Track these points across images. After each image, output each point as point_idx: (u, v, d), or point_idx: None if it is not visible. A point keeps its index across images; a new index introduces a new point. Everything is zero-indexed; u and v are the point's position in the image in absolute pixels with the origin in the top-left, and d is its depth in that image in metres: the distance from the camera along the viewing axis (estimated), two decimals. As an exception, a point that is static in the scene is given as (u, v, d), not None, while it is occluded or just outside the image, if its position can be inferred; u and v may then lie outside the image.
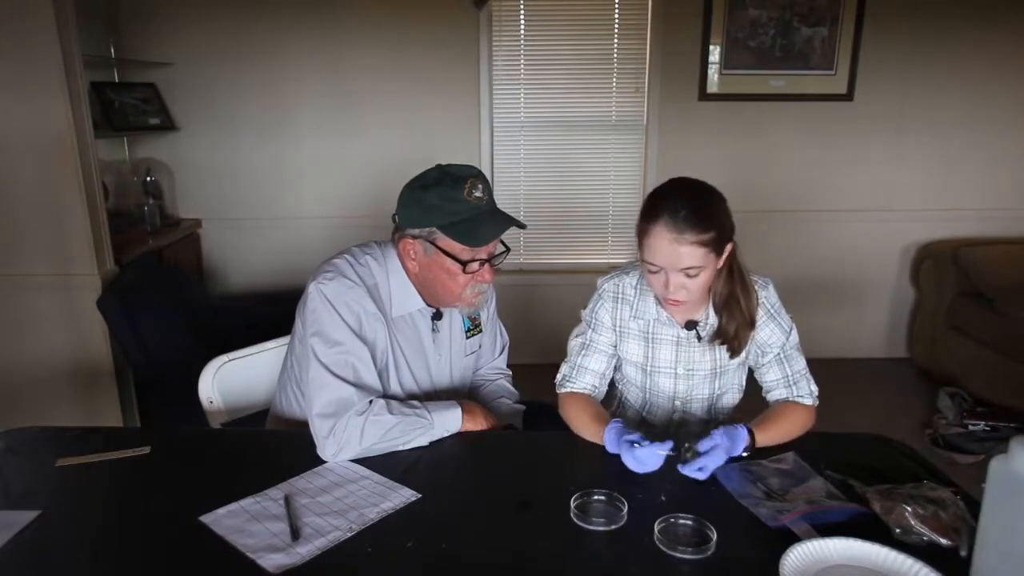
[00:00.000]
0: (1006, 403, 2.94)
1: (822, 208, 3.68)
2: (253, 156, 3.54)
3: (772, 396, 1.51)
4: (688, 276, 1.34)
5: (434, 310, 1.54)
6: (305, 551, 1.05)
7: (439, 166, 1.43)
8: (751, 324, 1.46)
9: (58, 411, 2.72)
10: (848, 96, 3.53)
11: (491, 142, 3.59)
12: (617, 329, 1.55)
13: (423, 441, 1.37)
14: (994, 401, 2.99)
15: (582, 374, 1.55)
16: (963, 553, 1.02)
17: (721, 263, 1.39)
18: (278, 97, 3.47)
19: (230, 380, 1.65)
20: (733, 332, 1.45)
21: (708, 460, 1.22)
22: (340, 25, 3.39)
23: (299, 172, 3.59)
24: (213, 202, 3.59)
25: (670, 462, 1.25)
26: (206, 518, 1.13)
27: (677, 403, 1.58)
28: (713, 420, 1.61)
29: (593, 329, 1.56)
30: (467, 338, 1.63)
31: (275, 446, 1.45)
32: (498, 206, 1.46)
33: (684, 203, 1.31)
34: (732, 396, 1.61)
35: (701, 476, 1.22)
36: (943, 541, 1.05)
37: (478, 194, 1.39)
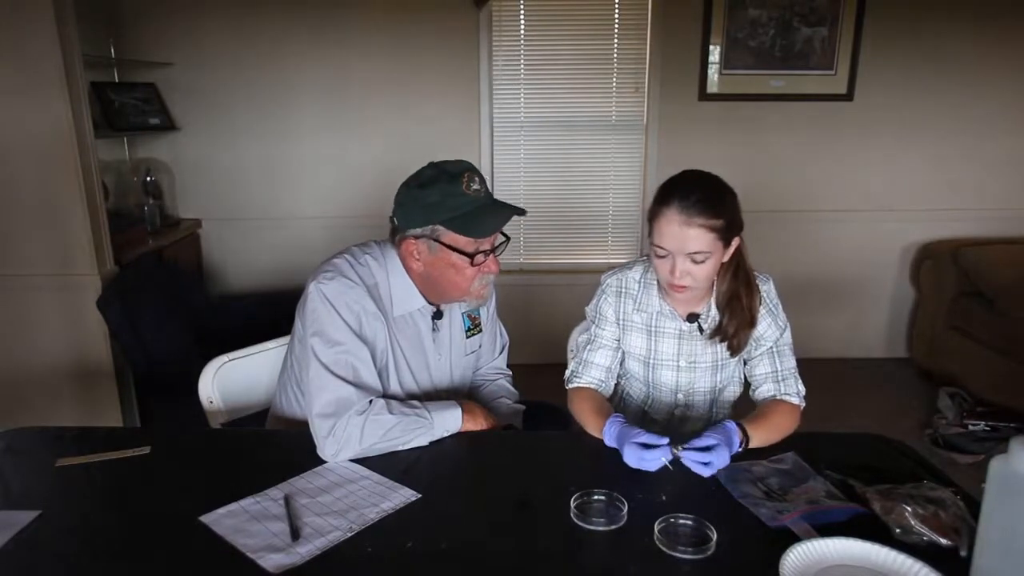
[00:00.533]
0: (1006, 403, 2.94)
1: (822, 208, 3.68)
2: (253, 156, 3.54)
3: (760, 392, 1.52)
4: (695, 262, 1.35)
5: (434, 309, 1.54)
6: (305, 551, 1.05)
7: (432, 164, 1.43)
8: (752, 323, 1.46)
9: (58, 411, 2.72)
10: (848, 96, 3.53)
11: (491, 142, 3.59)
12: (620, 323, 1.56)
13: (423, 441, 1.37)
14: (994, 401, 2.99)
15: (588, 369, 1.56)
16: (963, 553, 1.02)
17: (727, 256, 1.40)
18: (278, 97, 3.47)
19: (230, 380, 1.65)
20: (733, 331, 1.46)
21: (714, 456, 1.22)
22: (340, 25, 3.39)
23: (299, 172, 3.59)
24: (213, 202, 3.59)
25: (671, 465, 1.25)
26: (206, 518, 1.13)
27: (679, 396, 1.58)
28: (714, 415, 1.62)
29: (597, 324, 1.57)
30: (467, 338, 1.63)
31: (275, 446, 1.45)
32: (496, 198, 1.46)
33: (696, 189, 1.34)
34: (733, 389, 1.62)
35: (706, 472, 1.22)
36: (943, 541, 1.05)
37: (476, 187, 1.39)
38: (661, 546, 1.05)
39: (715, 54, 3.47)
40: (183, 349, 2.44)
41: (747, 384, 1.58)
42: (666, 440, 1.25)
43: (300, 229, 3.62)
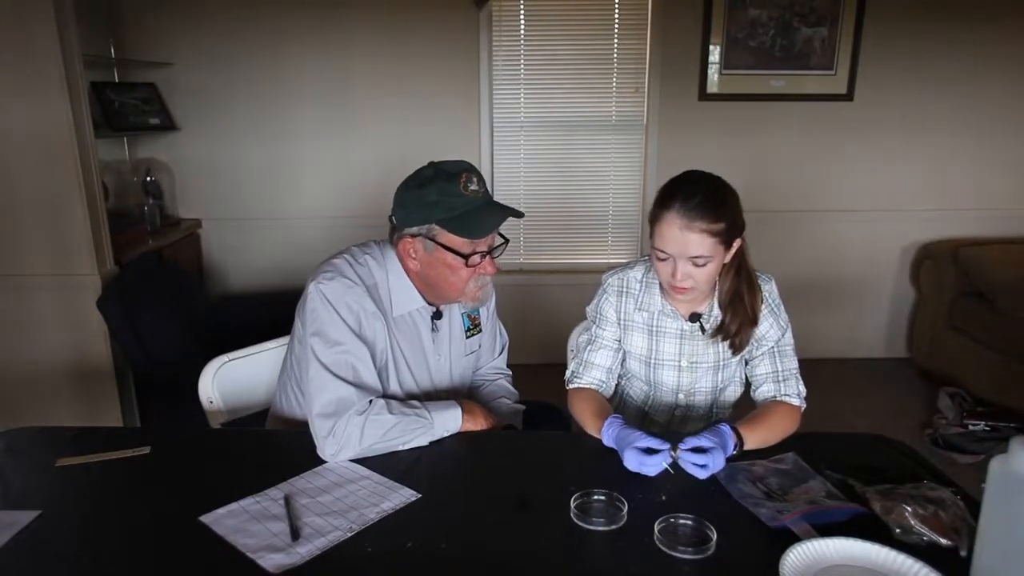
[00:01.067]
0: (1006, 403, 2.94)
1: (822, 208, 3.68)
2: (253, 156, 3.54)
3: (760, 393, 1.51)
4: (696, 265, 1.35)
5: (434, 309, 1.54)
6: (305, 551, 1.05)
7: (431, 163, 1.43)
8: (754, 322, 1.46)
9: (58, 411, 2.72)
10: (848, 96, 3.53)
11: (491, 142, 3.60)
12: (621, 323, 1.55)
13: (423, 441, 1.37)
14: (994, 401, 2.99)
15: (589, 369, 1.56)
16: (963, 553, 1.02)
17: (729, 257, 1.40)
18: (278, 97, 3.47)
19: (230, 380, 1.65)
20: (735, 330, 1.46)
21: (709, 459, 1.22)
22: (340, 25, 3.39)
23: (299, 172, 3.59)
24: (213, 202, 3.59)
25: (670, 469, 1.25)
26: (206, 518, 1.13)
27: (680, 396, 1.58)
28: (715, 415, 1.61)
29: (598, 324, 1.57)
30: (467, 338, 1.63)
31: (275, 446, 1.45)
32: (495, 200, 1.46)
33: (698, 192, 1.34)
34: (734, 390, 1.62)
35: (702, 474, 1.22)
36: (943, 541, 1.05)
37: (474, 187, 1.39)
38: (661, 546, 1.05)
39: (715, 54, 3.47)
40: (183, 349, 2.44)
41: (749, 384, 1.58)
42: (667, 445, 1.24)
43: (300, 229, 3.62)
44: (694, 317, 1.50)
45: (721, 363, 1.54)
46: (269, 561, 1.02)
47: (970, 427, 2.85)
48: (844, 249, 3.74)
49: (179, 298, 2.74)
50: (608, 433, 1.33)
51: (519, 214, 1.42)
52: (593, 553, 1.06)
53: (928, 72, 3.51)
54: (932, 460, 1.36)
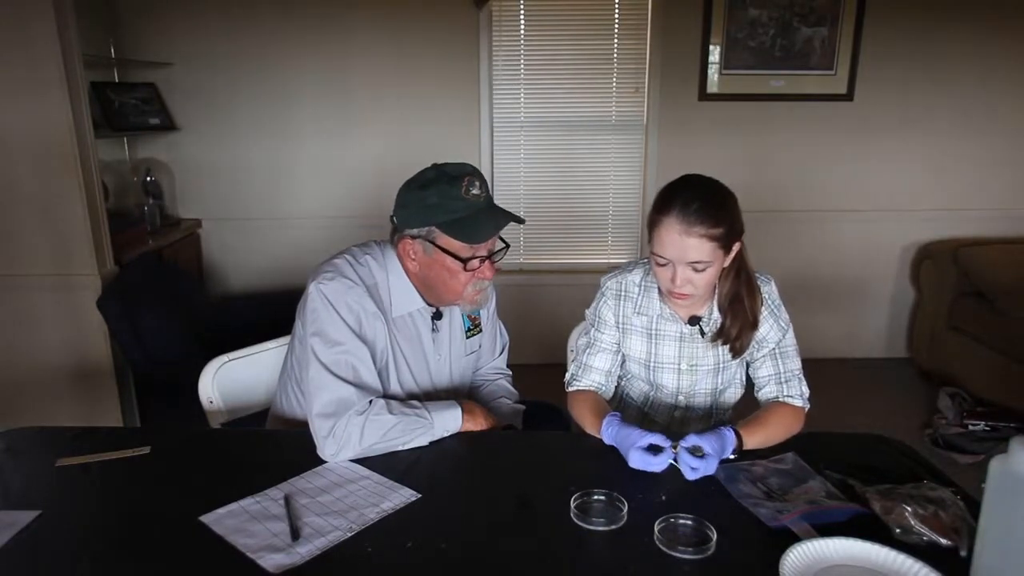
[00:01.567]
0: (1006, 403, 2.94)
1: (822, 208, 3.68)
2: (253, 156, 3.54)
3: (763, 394, 1.51)
4: (695, 271, 1.35)
5: (434, 310, 1.54)
6: (305, 551, 1.05)
7: (435, 165, 1.43)
8: (754, 325, 1.46)
9: (58, 411, 2.72)
10: (848, 96, 3.53)
11: (491, 142, 3.59)
12: (620, 326, 1.55)
13: (423, 441, 1.37)
14: (994, 401, 2.99)
15: (588, 372, 1.56)
16: (963, 553, 1.02)
17: (728, 261, 1.40)
18: (278, 97, 3.47)
19: (230, 380, 1.65)
20: (736, 333, 1.46)
21: (703, 464, 1.22)
22: (340, 25, 3.39)
23: (299, 172, 3.59)
24: (213, 202, 3.59)
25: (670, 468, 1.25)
26: (206, 518, 1.13)
27: (680, 398, 1.58)
28: (714, 417, 1.61)
29: (596, 328, 1.57)
30: (467, 338, 1.63)
31: (275, 446, 1.45)
32: (497, 204, 1.45)
33: (696, 197, 1.32)
34: (734, 391, 1.61)
35: (692, 476, 1.22)
36: (943, 541, 1.05)
37: (475, 191, 1.39)
38: (661, 546, 1.05)
39: (715, 54, 3.47)
40: (183, 349, 2.44)
41: (752, 385, 1.57)
42: (670, 442, 1.25)
43: (300, 229, 3.62)
44: (693, 320, 1.49)
45: (721, 365, 1.54)
46: (269, 561, 1.02)
47: (970, 427, 2.85)
48: (844, 249, 3.74)
49: (179, 298, 2.74)
50: (608, 431, 1.34)
51: (520, 220, 1.42)
52: (593, 553, 1.06)
53: (928, 72, 3.51)
54: (932, 460, 1.36)
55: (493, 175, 3.63)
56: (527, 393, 1.78)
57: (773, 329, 1.49)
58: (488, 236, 1.40)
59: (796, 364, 1.50)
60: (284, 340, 1.68)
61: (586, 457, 1.36)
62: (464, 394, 1.66)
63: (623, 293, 1.54)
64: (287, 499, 1.18)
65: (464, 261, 1.40)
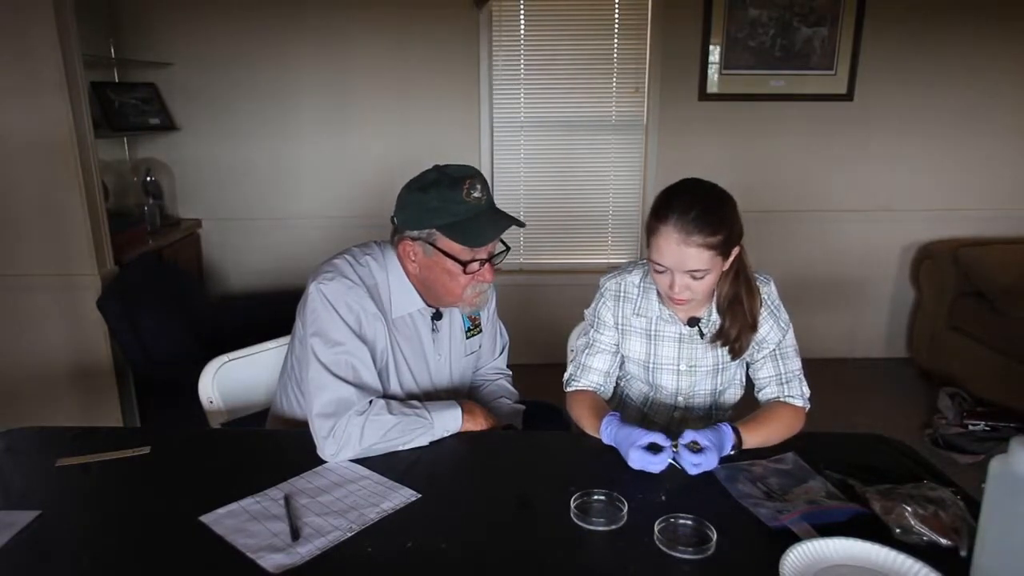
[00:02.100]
0: (1006, 403, 2.94)
1: (822, 208, 3.68)
2: (253, 156, 3.54)
3: (763, 395, 1.51)
4: (694, 278, 1.34)
5: (434, 310, 1.54)
6: (305, 551, 1.05)
7: (437, 167, 1.42)
8: (753, 327, 1.46)
9: (58, 411, 2.72)
10: (848, 96, 3.53)
11: (491, 142, 3.59)
12: (620, 327, 1.55)
13: (423, 441, 1.37)
14: (994, 401, 2.99)
15: (587, 373, 1.56)
16: (963, 553, 1.02)
17: (727, 266, 1.40)
18: (278, 97, 3.47)
19: (230, 380, 1.65)
20: (735, 335, 1.45)
21: (703, 458, 1.23)
22: (340, 25, 3.39)
23: (299, 172, 3.59)
24: (213, 202, 3.59)
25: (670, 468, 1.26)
26: (206, 518, 1.13)
27: (679, 399, 1.58)
28: (714, 417, 1.61)
29: (595, 329, 1.57)
30: (467, 338, 1.63)
31: (275, 446, 1.45)
32: (498, 206, 1.45)
33: (694, 205, 1.31)
34: (734, 392, 1.61)
35: (693, 471, 1.23)
36: (943, 541, 1.05)
37: (476, 194, 1.38)
38: (661, 546, 1.05)
39: (715, 54, 3.47)
40: (183, 349, 2.44)
41: (752, 386, 1.57)
42: (669, 442, 1.25)
43: (300, 229, 3.62)
44: (692, 322, 1.49)
45: (720, 366, 1.54)
46: (269, 561, 1.02)
47: (970, 427, 2.85)
48: (844, 249, 3.74)
49: (179, 298, 2.74)
50: (607, 431, 1.34)
51: (520, 224, 1.42)
52: (593, 553, 1.06)
53: (928, 72, 3.51)
54: (932, 460, 1.36)
55: (493, 175, 3.63)
56: (527, 393, 1.78)
57: (773, 330, 1.49)
58: (488, 240, 1.40)
59: (796, 365, 1.50)
60: (284, 340, 1.68)
61: (586, 457, 1.36)
62: (464, 394, 1.66)
63: (622, 294, 1.54)
64: (287, 499, 1.18)
65: (464, 264, 1.40)
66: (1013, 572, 0.89)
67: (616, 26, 3.49)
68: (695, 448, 1.24)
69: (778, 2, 3.40)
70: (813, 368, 1.52)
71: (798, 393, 1.48)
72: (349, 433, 1.31)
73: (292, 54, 3.41)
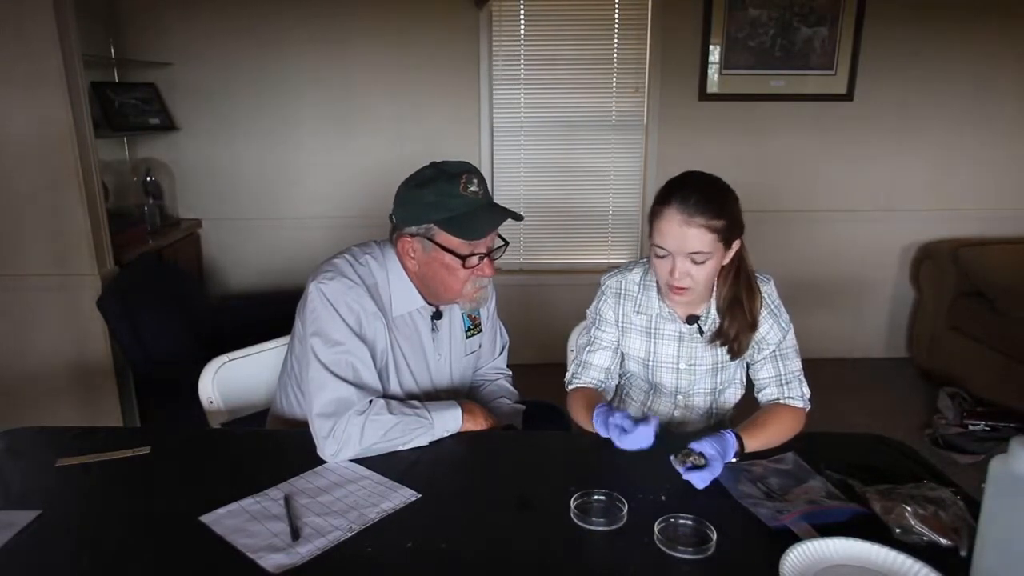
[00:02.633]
0: (1006, 403, 2.94)
1: (822, 208, 3.68)
2: (253, 156, 3.54)
3: (763, 396, 1.51)
4: (694, 263, 1.35)
5: (434, 309, 1.54)
6: (305, 551, 1.05)
7: (433, 163, 1.43)
8: (753, 327, 1.46)
9: (58, 411, 2.72)
10: (848, 96, 3.53)
11: (491, 142, 3.59)
12: (620, 324, 1.55)
13: (423, 441, 1.37)
14: (994, 401, 2.99)
15: (587, 370, 1.57)
16: (963, 553, 1.02)
17: (727, 259, 1.40)
18: (278, 97, 3.47)
19: (230, 380, 1.65)
20: (734, 335, 1.45)
21: (709, 473, 1.21)
22: (340, 25, 3.39)
23: (299, 172, 3.59)
24: (213, 202, 3.59)
25: (665, 450, 1.25)
26: (206, 518, 1.13)
27: (679, 398, 1.58)
28: (714, 416, 1.61)
29: (597, 326, 1.57)
30: (467, 338, 1.63)
31: (275, 446, 1.45)
32: (495, 202, 1.46)
33: (697, 190, 1.34)
34: (734, 391, 1.61)
35: (700, 484, 1.21)
36: (943, 541, 1.05)
37: (473, 188, 1.39)
38: (661, 546, 1.05)
39: (715, 54, 3.47)
40: (183, 349, 2.44)
41: (752, 386, 1.57)
42: (655, 422, 1.26)
43: (300, 229, 3.62)
44: (691, 319, 1.50)
45: (720, 365, 1.54)
46: (269, 561, 1.02)
47: (970, 427, 2.85)
48: (844, 249, 3.74)
49: (179, 298, 2.73)
50: (598, 422, 1.34)
51: (518, 216, 1.42)
52: (593, 553, 1.06)
53: (928, 72, 3.51)
54: (932, 460, 1.36)
55: (493, 175, 3.63)
56: (527, 393, 1.78)
57: (773, 330, 1.49)
58: (486, 232, 1.40)
59: (796, 365, 1.50)
60: (284, 340, 1.68)
61: (586, 457, 1.36)
62: (464, 394, 1.66)
63: (623, 292, 1.54)
64: (287, 499, 1.18)
65: (463, 258, 1.40)
66: (1013, 572, 0.89)
67: (616, 26, 3.49)
68: (700, 464, 1.22)
69: (778, 2, 3.40)
70: (813, 368, 1.52)
71: (798, 394, 1.48)
72: (349, 433, 1.31)
73: (292, 54, 3.41)
